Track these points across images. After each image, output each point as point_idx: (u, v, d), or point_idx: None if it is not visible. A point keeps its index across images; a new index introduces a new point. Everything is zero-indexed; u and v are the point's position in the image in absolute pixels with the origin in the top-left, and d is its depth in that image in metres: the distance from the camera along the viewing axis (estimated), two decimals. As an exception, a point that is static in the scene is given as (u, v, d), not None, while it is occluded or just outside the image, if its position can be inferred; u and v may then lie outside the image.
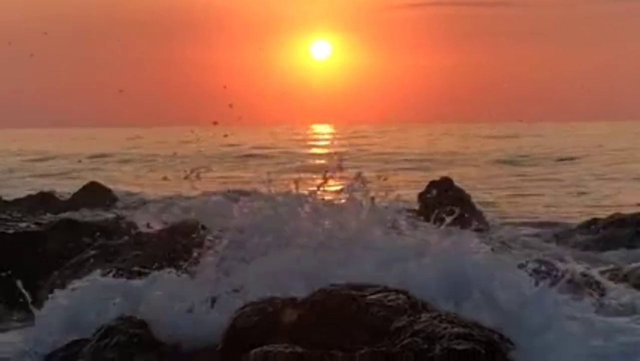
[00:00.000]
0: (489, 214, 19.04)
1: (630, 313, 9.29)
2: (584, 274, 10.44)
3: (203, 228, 8.99)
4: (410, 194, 16.93)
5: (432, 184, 17.88)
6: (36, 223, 13.08)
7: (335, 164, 8.77)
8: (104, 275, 8.58)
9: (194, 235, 9.05)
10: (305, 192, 8.44)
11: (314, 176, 8.82)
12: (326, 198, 8.54)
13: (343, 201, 8.44)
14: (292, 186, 8.51)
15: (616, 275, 11.99)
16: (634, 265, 12.25)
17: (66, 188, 25.85)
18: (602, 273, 11.93)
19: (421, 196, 17.62)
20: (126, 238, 11.72)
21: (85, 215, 14.76)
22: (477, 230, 15.97)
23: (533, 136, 71.52)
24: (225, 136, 19.12)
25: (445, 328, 6.22)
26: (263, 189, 8.62)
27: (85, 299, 8.10)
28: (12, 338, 9.52)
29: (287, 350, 6.17)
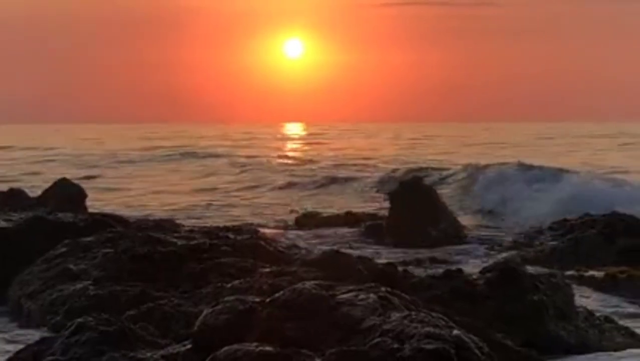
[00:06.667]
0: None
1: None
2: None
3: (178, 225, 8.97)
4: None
5: (402, 184, 17.90)
6: (5, 220, 13.03)
7: None
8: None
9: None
10: None
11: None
12: None
13: None
14: None
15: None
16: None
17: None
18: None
19: (390, 196, 17.66)
20: (97, 235, 11.68)
21: (55, 212, 14.66)
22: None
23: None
24: None
25: (415, 328, 6.25)
26: None
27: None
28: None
29: (257, 349, 6.18)
